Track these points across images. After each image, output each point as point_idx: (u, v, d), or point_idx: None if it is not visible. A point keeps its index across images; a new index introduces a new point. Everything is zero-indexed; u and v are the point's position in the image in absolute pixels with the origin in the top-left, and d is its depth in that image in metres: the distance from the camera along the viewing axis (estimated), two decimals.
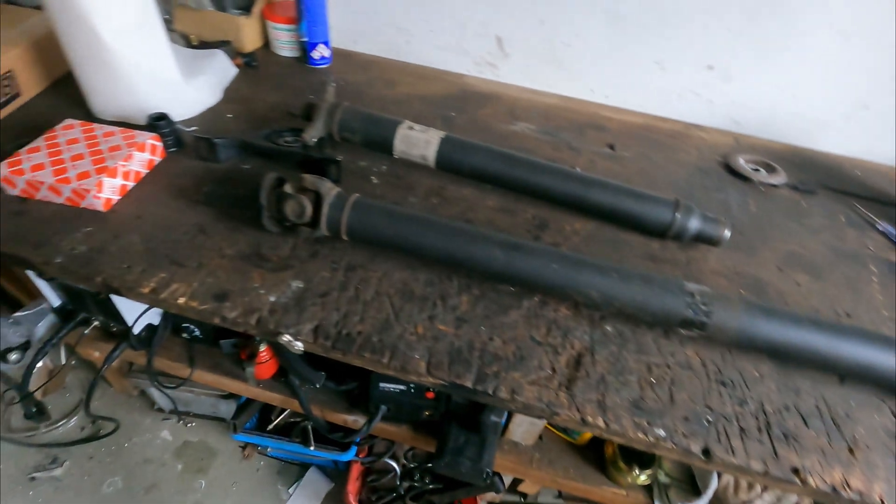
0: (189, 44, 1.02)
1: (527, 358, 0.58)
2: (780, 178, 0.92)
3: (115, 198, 0.68)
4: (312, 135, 0.76)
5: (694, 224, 0.72)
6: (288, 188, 0.63)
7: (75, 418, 1.44)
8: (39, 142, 0.70)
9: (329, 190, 0.63)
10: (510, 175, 0.76)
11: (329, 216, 0.63)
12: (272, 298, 0.60)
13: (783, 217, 0.85)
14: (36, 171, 0.65)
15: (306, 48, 1.04)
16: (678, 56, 0.99)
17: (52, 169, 0.65)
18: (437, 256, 0.63)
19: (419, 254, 0.64)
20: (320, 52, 1.05)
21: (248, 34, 1.05)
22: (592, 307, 0.64)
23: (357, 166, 0.81)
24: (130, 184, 0.71)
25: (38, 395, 1.20)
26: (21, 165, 0.65)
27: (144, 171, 0.73)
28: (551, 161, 0.86)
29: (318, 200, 0.63)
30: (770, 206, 0.87)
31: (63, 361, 1.20)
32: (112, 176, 0.67)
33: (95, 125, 0.74)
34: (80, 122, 0.74)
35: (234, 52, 1.02)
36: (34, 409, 1.18)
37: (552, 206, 0.78)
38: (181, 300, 0.58)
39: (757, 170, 0.94)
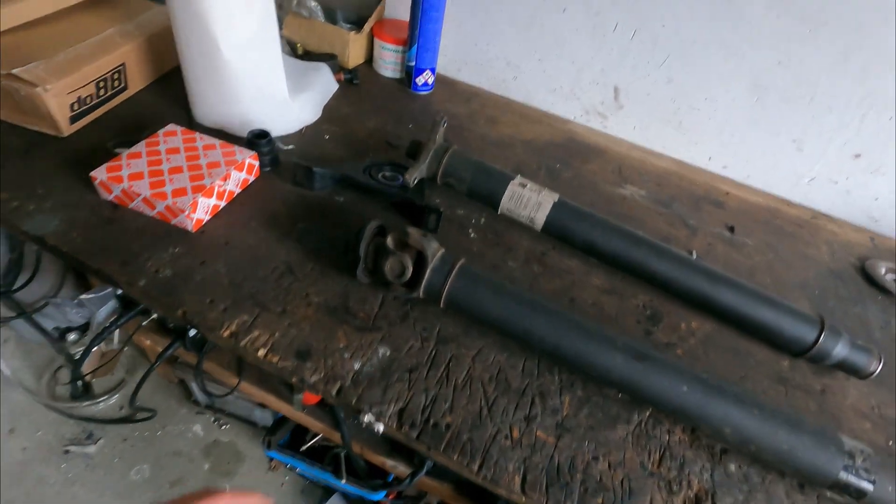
0: (294, 52, 0.99)
1: (636, 492, 0.49)
2: None
3: (206, 218, 0.64)
4: (415, 176, 0.70)
5: (840, 351, 0.62)
6: (389, 242, 0.57)
7: (116, 396, 1.45)
8: (140, 147, 0.67)
9: (434, 251, 0.57)
10: (627, 256, 0.67)
11: (430, 281, 0.56)
12: (356, 365, 0.54)
13: None
14: (134, 180, 0.62)
15: (411, 72, 0.99)
16: (821, 138, 0.88)
17: (149, 180, 0.62)
18: (545, 347, 0.55)
19: (524, 339, 0.56)
20: (425, 78, 0.99)
21: (354, 50, 1.01)
22: (719, 440, 0.54)
23: (454, 214, 0.75)
24: (223, 203, 0.67)
25: (87, 378, 1.20)
26: (120, 172, 0.62)
27: (238, 190, 0.69)
28: (664, 238, 0.78)
29: (419, 260, 0.57)
30: None
31: (116, 346, 1.20)
32: (208, 196, 0.63)
33: (197, 135, 0.70)
34: (182, 128, 0.71)
35: (337, 67, 0.99)
36: (81, 388, 1.18)
37: (666, 294, 0.69)
38: (261, 352, 0.53)
39: None
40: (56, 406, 1.37)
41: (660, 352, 0.62)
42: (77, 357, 1.09)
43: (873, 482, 0.47)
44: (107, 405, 1.43)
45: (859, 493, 0.48)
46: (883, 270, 0.82)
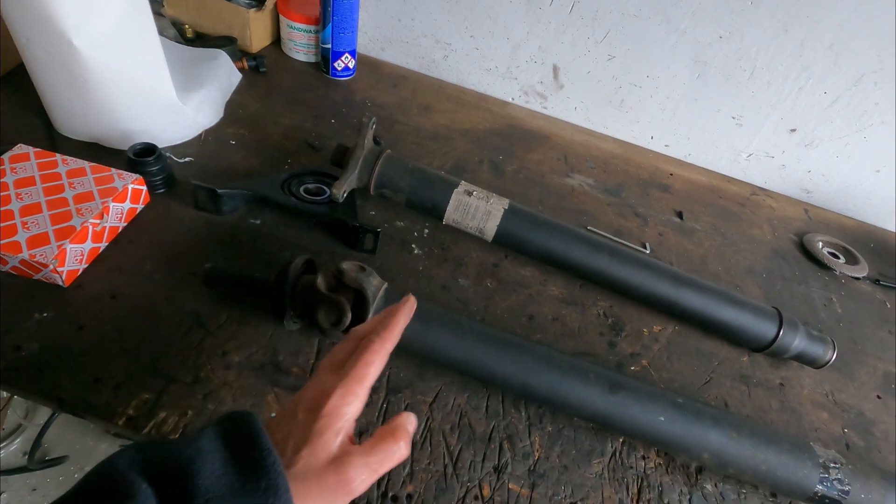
0: (182, 36, 0.83)
1: None
2: (861, 271, 0.82)
3: (82, 267, 0.51)
4: (344, 189, 0.60)
5: (798, 344, 0.61)
6: (321, 284, 0.48)
7: (18, 440, 1.26)
8: None
9: (376, 290, 0.48)
10: (585, 263, 0.62)
11: None
12: None
13: (872, 323, 0.75)
14: None
15: (327, 55, 0.86)
16: (759, 113, 0.87)
17: None
18: (513, 387, 0.49)
19: (488, 381, 0.50)
20: (345, 62, 0.87)
21: (257, 30, 0.86)
22: (697, 463, 0.52)
23: (394, 227, 0.66)
24: (103, 245, 0.54)
25: None
26: None
27: (123, 224, 0.56)
28: (617, 231, 0.74)
29: (359, 299, 0.48)
30: (856, 307, 0.77)
31: (4, 394, 1.02)
32: (79, 241, 0.50)
33: (58, 157, 0.56)
34: (35, 150, 0.56)
35: (238, 53, 0.84)
36: None
37: (625, 298, 0.66)
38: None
39: (836, 256, 0.83)
40: None
41: (627, 365, 0.59)
42: None
43: (847, 493, 0.47)
44: (7, 452, 1.24)
45: None
46: (820, 245, 0.84)
